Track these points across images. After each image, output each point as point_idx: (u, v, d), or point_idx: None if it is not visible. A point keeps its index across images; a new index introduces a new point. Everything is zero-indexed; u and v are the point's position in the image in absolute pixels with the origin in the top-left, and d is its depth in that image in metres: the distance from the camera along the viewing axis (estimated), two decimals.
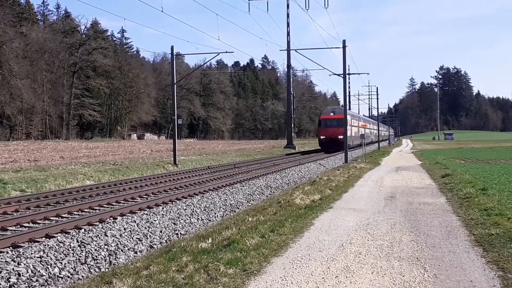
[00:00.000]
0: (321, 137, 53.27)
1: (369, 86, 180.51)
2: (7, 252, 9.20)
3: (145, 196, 17.92)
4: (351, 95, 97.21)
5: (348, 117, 48.02)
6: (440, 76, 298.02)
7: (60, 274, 8.75)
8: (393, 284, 6.98)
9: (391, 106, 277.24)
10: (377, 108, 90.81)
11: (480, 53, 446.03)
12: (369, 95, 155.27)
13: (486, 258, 8.10)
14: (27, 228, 12.02)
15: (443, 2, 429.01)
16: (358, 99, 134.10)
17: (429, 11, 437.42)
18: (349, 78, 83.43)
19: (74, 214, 14.27)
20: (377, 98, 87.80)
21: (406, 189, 18.55)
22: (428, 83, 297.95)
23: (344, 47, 36.88)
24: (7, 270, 8.26)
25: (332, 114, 52.76)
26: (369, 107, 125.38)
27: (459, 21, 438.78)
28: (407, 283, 6.98)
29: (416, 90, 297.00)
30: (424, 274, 7.36)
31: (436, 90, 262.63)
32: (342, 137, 43.74)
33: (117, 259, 10.02)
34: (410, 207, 13.98)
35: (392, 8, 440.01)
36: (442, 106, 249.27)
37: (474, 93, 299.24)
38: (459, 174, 22.35)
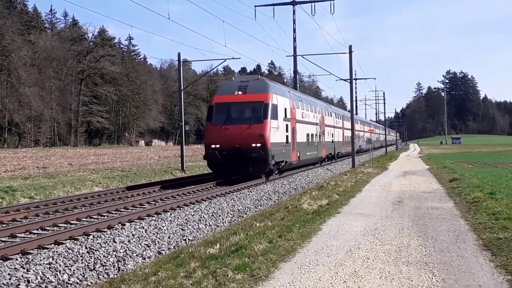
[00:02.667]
0: (212, 145, 24.33)
1: (375, 91, 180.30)
2: (17, 259, 9.26)
3: (153, 202, 17.97)
4: (358, 100, 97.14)
5: (286, 101, 27.73)
6: (447, 81, 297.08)
7: (69, 280, 8.79)
8: None
9: (398, 110, 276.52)
10: (384, 113, 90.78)
11: (487, 58, 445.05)
12: (376, 100, 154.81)
13: (494, 262, 8.08)
14: (36, 235, 12.10)
15: (449, 8, 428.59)
16: (365, 104, 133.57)
17: (436, 17, 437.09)
18: (355, 83, 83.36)
19: (83, 220, 14.34)
20: (384, 103, 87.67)
21: (413, 194, 18.50)
22: (435, 87, 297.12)
23: (350, 52, 36.91)
24: (16, 277, 8.31)
25: (239, 92, 25.36)
26: (376, 112, 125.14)
27: (466, 26, 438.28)
28: None
29: (423, 94, 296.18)
30: (432, 278, 7.35)
31: (443, 95, 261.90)
32: (260, 145, 23.47)
33: (125, 265, 10.05)
34: (418, 212, 13.94)
35: (398, 14, 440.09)
36: (449, 111, 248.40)
37: (481, 97, 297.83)
38: (466, 179, 22.27)
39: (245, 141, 23.51)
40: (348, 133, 49.21)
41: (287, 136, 27.08)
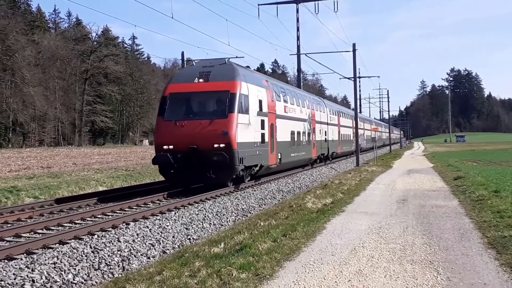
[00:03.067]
0: (163, 146, 19.71)
1: (379, 89, 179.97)
2: (21, 259, 9.27)
3: (158, 202, 17.97)
4: (362, 98, 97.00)
5: (262, 91, 22.83)
6: (451, 78, 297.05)
7: (74, 280, 8.80)
8: (406, 287, 6.97)
9: (402, 108, 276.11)
10: (388, 111, 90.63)
11: (491, 55, 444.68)
12: (379, 98, 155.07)
13: (499, 261, 8.07)
14: (41, 235, 12.10)
15: (452, 5, 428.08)
16: (369, 102, 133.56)
17: (439, 14, 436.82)
18: (359, 81, 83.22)
19: (87, 220, 14.35)
20: (388, 101, 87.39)
21: (418, 192, 18.47)
22: (439, 85, 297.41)
23: (354, 50, 36.88)
24: (21, 276, 8.32)
25: (201, 80, 20.64)
26: (380, 110, 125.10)
27: (469, 23, 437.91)
28: (420, 287, 6.97)
29: (427, 92, 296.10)
30: (437, 277, 7.34)
31: (447, 92, 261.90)
32: (223, 145, 18.96)
33: (130, 264, 10.06)
34: (422, 210, 13.92)
35: (401, 11, 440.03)
36: (454, 108, 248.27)
37: (486, 95, 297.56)
38: (471, 177, 22.23)
39: (205, 141, 19.00)
40: (345, 131, 46.11)
41: (262, 135, 22.34)
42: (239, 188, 20.92)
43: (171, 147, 19.38)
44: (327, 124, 38.47)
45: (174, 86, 21.06)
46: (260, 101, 22.32)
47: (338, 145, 42.65)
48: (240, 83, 20.24)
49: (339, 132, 43.58)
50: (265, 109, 22.88)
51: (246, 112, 20.48)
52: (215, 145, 18.93)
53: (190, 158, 19.02)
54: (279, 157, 24.88)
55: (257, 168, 22.18)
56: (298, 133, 29.16)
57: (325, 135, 37.39)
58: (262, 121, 22.44)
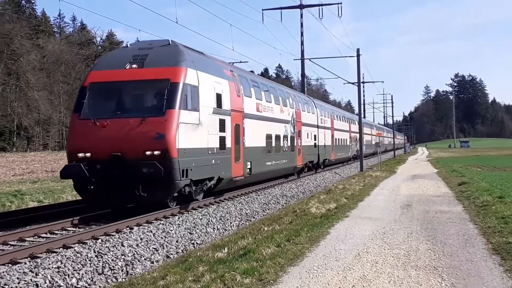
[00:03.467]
0: (78, 154, 14.33)
1: (383, 94, 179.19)
2: (25, 263, 9.27)
3: (161, 206, 17.91)
4: (365, 104, 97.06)
5: (222, 83, 18.03)
6: (455, 84, 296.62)
7: (77, 284, 8.80)
8: None
9: (406, 114, 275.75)
10: (392, 116, 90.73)
11: (495, 60, 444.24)
12: (383, 103, 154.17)
13: (504, 267, 8.04)
14: (44, 239, 12.11)
15: (456, 10, 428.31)
16: (373, 107, 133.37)
17: (443, 19, 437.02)
18: (363, 87, 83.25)
19: (91, 224, 14.34)
20: (392, 106, 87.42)
21: (422, 198, 18.44)
22: (443, 90, 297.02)
23: (358, 55, 36.91)
24: (25, 281, 8.32)
25: (134, 66, 15.28)
26: (384, 115, 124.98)
27: (473, 28, 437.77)
28: None
29: (431, 98, 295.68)
30: (441, 283, 7.31)
31: (451, 98, 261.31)
32: (158, 152, 13.84)
33: (133, 269, 10.06)
34: (426, 216, 13.89)
35: (406, 17, 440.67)
36: (458, 114, 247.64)
37: (490, 100, 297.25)
38: (475, 182, 22.19)
39: (133, 147, 14.06)
40: (340, 135, 41.98)
41: (222, 138, 17.50)
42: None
43: (87, 155, 14.44)
44: (317, 127, 33.76)
45: (98, 73, 16.01)
46: (219, 96, 17.54)
47: (331, 151, 37.95)
48: (185, 69, 15.37)
49: (332, 136, 38.65)
50: (226, 106, 18.13)
51: (195, 109, 15.60)
52: (147, 153, 14.03)
53: (113, 170, 14.20)
54: (249, 166, 20.32)
55: (213, 181, 17.32)
56: (277, 137, 24.40)
57: (315, 139, 32.70)
58: (222, 121, 17.68)
